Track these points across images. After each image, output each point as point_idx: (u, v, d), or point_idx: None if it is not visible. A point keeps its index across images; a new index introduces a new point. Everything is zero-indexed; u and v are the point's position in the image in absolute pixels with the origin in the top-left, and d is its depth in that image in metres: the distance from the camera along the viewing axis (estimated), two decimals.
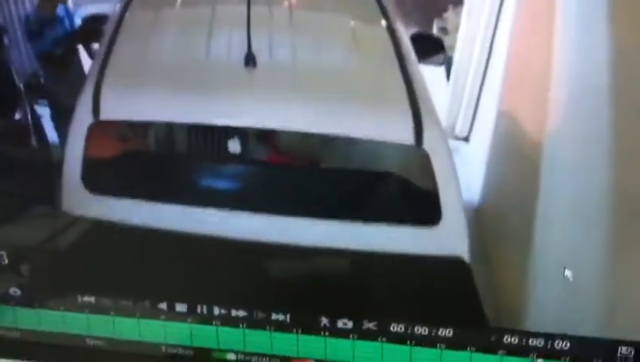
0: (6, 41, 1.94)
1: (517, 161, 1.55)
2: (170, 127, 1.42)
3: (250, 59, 1.34)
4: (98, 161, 1.43)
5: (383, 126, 1.33)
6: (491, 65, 1.92)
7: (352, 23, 1.55)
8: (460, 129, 2.26)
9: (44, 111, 1.82)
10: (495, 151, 1.68)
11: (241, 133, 1.36)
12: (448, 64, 2.29)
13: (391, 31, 1.51)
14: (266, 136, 1.40)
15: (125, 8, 1.58)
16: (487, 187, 1.67)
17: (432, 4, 2.27)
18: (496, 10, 1.86)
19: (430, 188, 1.32)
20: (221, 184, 1.42)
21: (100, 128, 1.40)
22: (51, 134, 1.66)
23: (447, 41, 2.25)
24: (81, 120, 1.41)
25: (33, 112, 1.91)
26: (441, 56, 1.71)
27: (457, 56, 2.06)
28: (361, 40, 1.48)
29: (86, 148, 1.40)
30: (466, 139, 2.18)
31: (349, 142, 1.34)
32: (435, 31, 2.34)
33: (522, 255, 1.38)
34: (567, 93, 1.33)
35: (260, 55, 1.36)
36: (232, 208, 1.37)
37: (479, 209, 1.64)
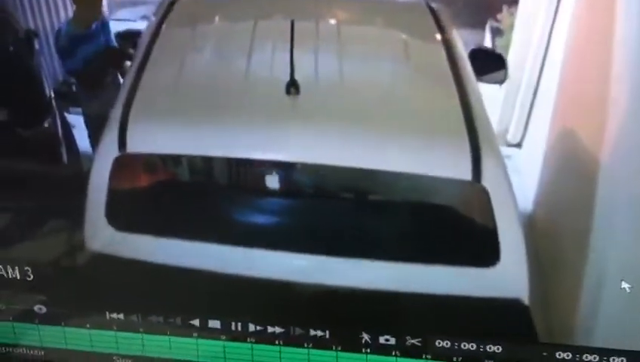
0: (37, 46, 1.91)
1: (573, 169, 1.49)
2: (202, 161, 1.36)
3: (292, 86, 1.29)
4: (124, 197, 1.36)
5: (438, 160, 1.25)
6: (547, 69, 1.86)
7: (405, 40, 1.48)
8: (513, 135, 2.21)
9: (76, 121, 1.79)
10: (550, 159, 1.62)
11: (280, 167, 1.30)
12: None
13: (448, 49, 1.44)
14: (308, 171, 1.32)
15: (159, 27, 1.53)
16: (541, 195, 1.61)
17: (485, 3, 2.22)
18: (554, 9, 1.81)
19: (488, 226, 1.23)
20: (258, 222, 1.34)
21: (126, 161, 1.32)
22: (82, 144, 1.63)
23: (500, 41, 2.21)
24: (106, 152, 1.33)
25: (64, 122, 1.87)
26: (502, 73, 1.65)
27: (511, 59, 2.01)
28: (415, 61, 1.41)
29: (111, 183, 1.32)
30: (519, 145, 2.13)
31: (401, 178, 1.26)
32: (488, 32, 2.29)
33: (578, 265, 1.35)
34: (627, 102, 1.29)
35: (304, 81, 1.29)
36: (271, 248, 1.30)
37: (533, 217, 1.58)
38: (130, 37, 1.83)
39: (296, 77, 1.27)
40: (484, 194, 1.20)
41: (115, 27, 1.83)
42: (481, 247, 1.25)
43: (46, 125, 1.84)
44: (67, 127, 1.93)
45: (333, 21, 1.57)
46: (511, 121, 2.33)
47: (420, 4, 1.68)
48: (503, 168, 1.24)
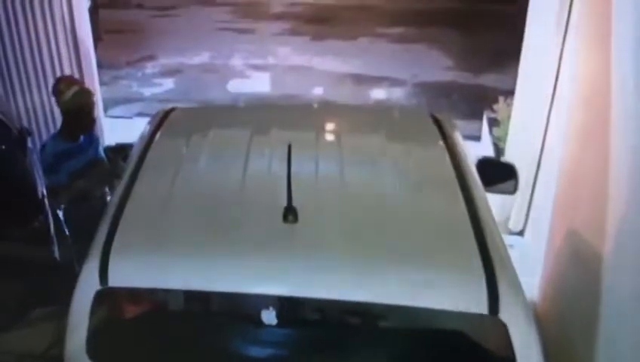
0: (30, 144, 1.89)
1: (577, 264, 1.47)
2: (190, 295, 1.25)
3: (290, 214, 1.20)
4: (106, 332, 1.25)
5: (450, 294, 1.12)
6: (545, 157, 1.84)
7: (409, 156, 1.45)
8: (515, 223, 2.19)
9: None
10: (553, 252, 1.58)
11: (278, 301, 1.18)
12: (498, 153, 2.21)
13: (454, 162, 1.41)
14: (310, 306, 1.22)
15: (151, 140, 1.51)
16: (545, 286, 1.57)
17: (481, 95, 2.21)
18: (549, 100, 1.81)
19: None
20: (252, 358, 1.24)
21: (108, 295, 1.21)
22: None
23: (497, 131, 2.21)
24: (87, 286, 1.21)
25: (56, 220, 1.83)
26: (512, 183, 1.61)
27: (509, 149, 1.99)
28: (420, 180, 1.36)
29: (92, 318, 1.20)
30: (521, 233, 2.09)
31: (410, 311, 1.15)
32: (485, 122, 2.28)
33: (588, 356, 1.30)
34: (628, 192, 1.28)
35: (302, 207, 1.20)
36: None
37: (538, 306, 1.53)
38: (121, 150, 1.81)
39: (295, 203, 1.22)
40: (502, 328, 1.11)
41: (109, 127, 1.82)
42: None
43: (37, 224, 1.81)
44: (60, 225, 1.90)
45: (332, 138, 1.53)
46: (512, 209, 2.32)
47: (422, 114, 1.65)
48: (522, 301, 1.14)
